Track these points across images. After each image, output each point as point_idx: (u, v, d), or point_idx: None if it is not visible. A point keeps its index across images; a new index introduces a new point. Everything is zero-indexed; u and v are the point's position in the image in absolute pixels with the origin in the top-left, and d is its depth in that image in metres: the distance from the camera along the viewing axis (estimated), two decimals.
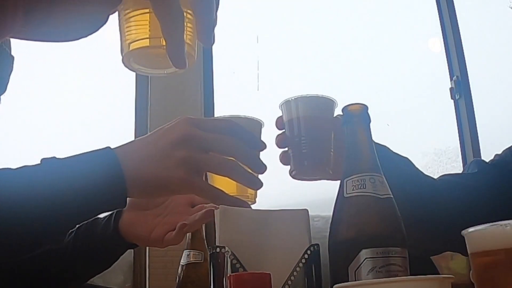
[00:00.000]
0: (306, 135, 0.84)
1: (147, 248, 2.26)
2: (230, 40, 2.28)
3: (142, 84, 2.13)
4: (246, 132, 0.69)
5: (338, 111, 0.86)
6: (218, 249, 0.76)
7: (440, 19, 2.67)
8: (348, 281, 0.62)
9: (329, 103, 0.86)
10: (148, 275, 2.08)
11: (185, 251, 1.08)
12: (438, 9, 2.68)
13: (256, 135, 0.76)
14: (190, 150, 0.63)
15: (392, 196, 0.66)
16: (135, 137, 0.90)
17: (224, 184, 0.70)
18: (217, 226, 0.80)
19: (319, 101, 0.86)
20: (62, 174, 0.62)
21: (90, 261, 0.83)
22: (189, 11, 0.44)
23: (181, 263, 1.07)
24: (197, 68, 2.11)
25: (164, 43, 0.41)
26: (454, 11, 2.63)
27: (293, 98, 0.85)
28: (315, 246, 0.78)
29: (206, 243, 1.08)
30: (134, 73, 1.75)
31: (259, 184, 0.69)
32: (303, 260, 0.76)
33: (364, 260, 0.62)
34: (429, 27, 2.76)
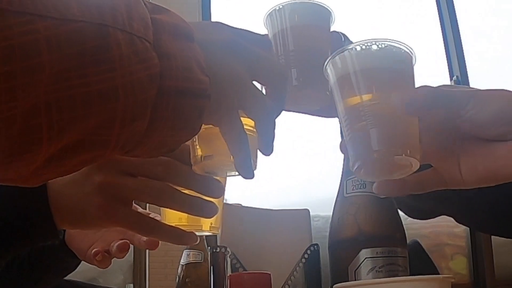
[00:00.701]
0: (296, 47, 0.66)
1: None
2: None
3: None
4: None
5: (335, 27, 0.71)
6: (218, 249, 0.76)
7: (440, 19, 2.67)
8: (348, 281, 0.62)
9: (324, 11, 0.69)
10: (148, 275, 2.08)
11: (185, 251, 1.08)
12: (438, 9, 2.68)
13: None
14: (109, 173, 0.51)
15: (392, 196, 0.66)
16: None
17: (173, 212, 0.56)
18: None
19: (310, 8, 0.68)
20: None
21: (44, 273, 0.81)
22: (253, 129, 0.47)
23: (181, 263, 1.07)
24: None
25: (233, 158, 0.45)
26: (454, 11, 2.63)
27: (277, 8, 0.68)
28: (315, 246, 0.78)
29: (206, 243, 1.08)
30: None
31: (211, 211, 0.53)
32: (303, 260, 0.77)
33: (364, 260, 0.62)
34: (429, 27, 2.76)
